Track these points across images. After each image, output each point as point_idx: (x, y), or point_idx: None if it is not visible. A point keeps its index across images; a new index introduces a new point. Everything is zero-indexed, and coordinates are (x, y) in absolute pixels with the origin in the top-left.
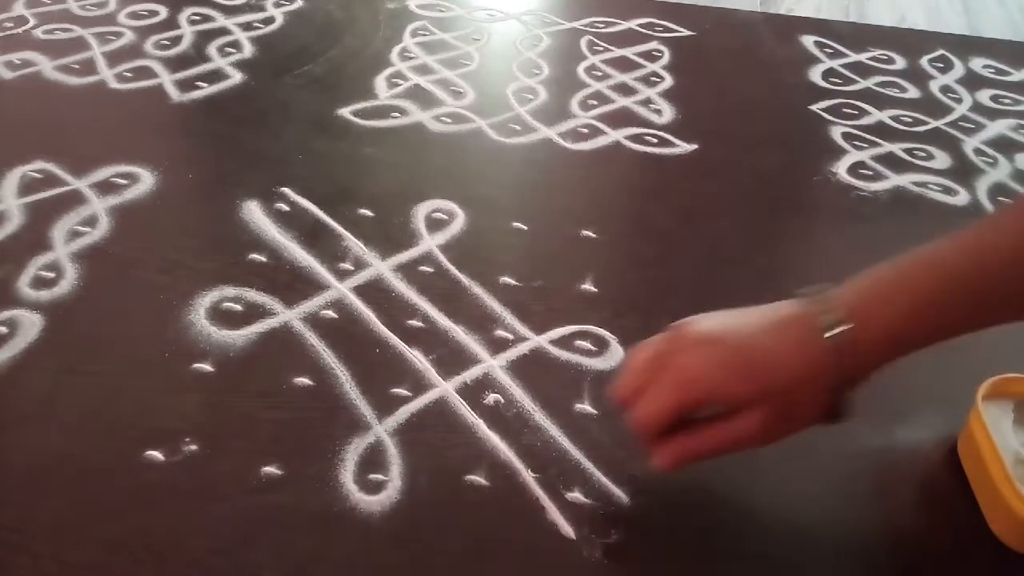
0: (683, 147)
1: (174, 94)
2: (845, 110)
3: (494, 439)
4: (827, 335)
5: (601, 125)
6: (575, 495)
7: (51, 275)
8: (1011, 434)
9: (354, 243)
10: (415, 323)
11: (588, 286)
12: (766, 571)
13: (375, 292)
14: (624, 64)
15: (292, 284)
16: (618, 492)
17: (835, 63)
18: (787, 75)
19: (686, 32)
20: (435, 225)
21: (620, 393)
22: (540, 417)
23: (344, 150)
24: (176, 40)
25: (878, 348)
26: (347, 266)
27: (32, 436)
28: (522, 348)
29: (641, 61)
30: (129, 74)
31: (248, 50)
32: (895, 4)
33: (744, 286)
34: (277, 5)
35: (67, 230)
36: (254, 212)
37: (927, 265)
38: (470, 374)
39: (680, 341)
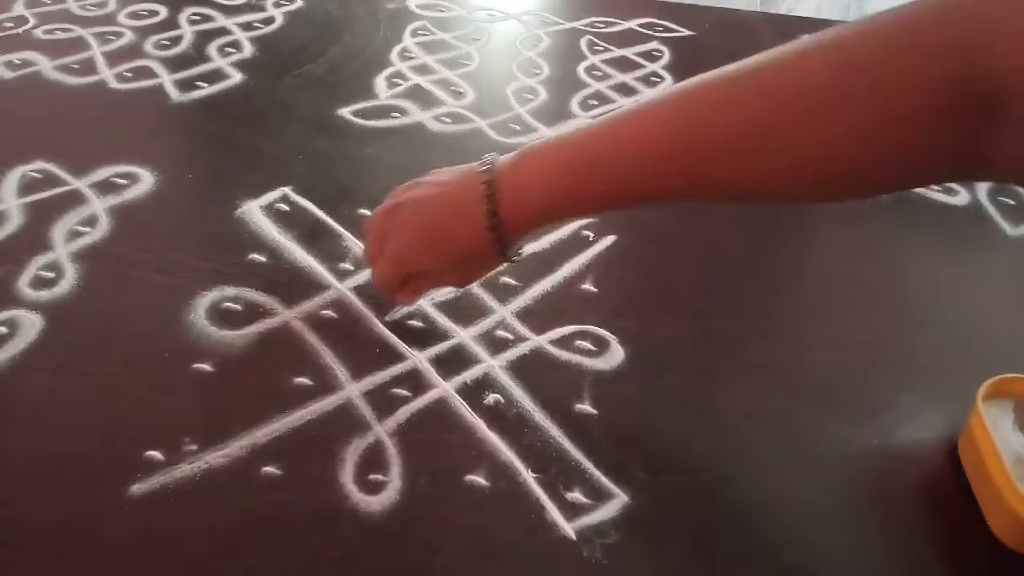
0: None
1: (174, 94)
2: None
3: (494, 439)
4: (483, 201)
5: None
6: (575, 495)
7: (51, 275)
8: (1011, 434)
9: (354, 243)
10: (415, 323)
11: (588, 286)
12: (766, 571)
13: (375, 292)
14: (624, 64)
15: (292, 284)
16: (618, 492)
17: None
18: None
19: (686, 32)
20: None
21: (364, 261)
22: (540, 417)
23: (344, 150)
24: (176, 40)
25: (521, 210)
26: (347, 266)
27: (32, 436)
28: (522, 348)
29: (641, 61)
30: (129, 74)
31: (248, 50)
32: (895, 4)
33: (744, 286)
34: (277, 5)
35: (67, 230)
36: (254, 212)
37: (569, 136)
38: (470, 374)
39: (392, 223)
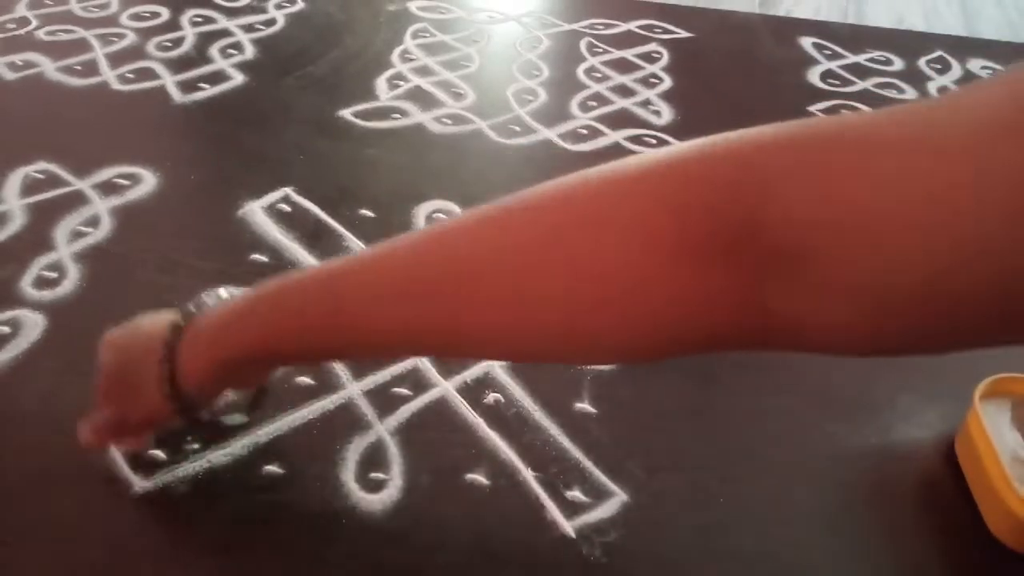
0: None
1: (176, 95)
2: (844, 111)
3: (494, 438)
4: (163, 369)
5: (600, 126)
6: (575, 494)
7: (54, 275)
8: (1008, 433)
9: (355, 243)
10: None
11: None
12: (765, 571)
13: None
14: (623, 66)
15: None
16: (617, 490)
17: (833, 64)
18: (786, 76)
19: (685, 34)
20: None
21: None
22: (540, 416)
23: (345, 151)
24: (178, 42)
25: (196, 374)
26: None
27: (34, 436)
28: None
29: (640, 63)
30: (131, 75)
31: (250, 51)
32: (893, 5)
33: None
34: (279, 7)
35: (70, 230)
36: (256, 213)
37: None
38: (470, 373)
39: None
